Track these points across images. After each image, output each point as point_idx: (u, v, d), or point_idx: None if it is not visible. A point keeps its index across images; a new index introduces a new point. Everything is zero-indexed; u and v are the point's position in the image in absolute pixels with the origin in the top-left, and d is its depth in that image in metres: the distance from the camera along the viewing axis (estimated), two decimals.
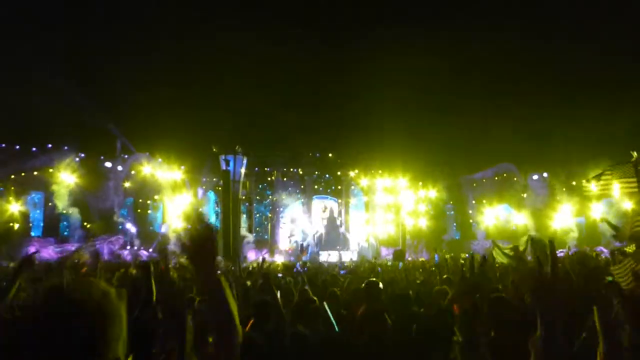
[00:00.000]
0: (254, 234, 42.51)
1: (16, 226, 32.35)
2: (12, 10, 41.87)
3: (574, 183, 39.15)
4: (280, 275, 11.23)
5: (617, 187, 10.58)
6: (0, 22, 39.98)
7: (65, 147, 34.33)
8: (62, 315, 1.12)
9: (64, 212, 35.33)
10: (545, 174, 41.69)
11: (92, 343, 1.13)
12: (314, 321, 5.14)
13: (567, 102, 40.79)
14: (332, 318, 5.05)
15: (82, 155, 35.67)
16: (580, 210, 37.34)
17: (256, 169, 42.65)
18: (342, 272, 17.25)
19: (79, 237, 34.19)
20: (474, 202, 43.70)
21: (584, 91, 41.95)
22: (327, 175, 44.74)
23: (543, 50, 50.82)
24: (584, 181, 32.43)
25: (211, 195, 41.53)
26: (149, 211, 40.54)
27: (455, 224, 45.17)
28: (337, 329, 4.96)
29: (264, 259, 10.13)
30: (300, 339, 4.39)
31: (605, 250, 24.53)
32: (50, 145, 34.88)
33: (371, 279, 6.92)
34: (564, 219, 37.56)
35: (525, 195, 42.00)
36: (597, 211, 35.46)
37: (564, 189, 40.01)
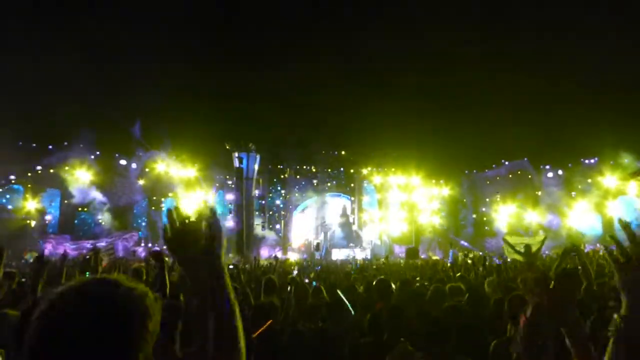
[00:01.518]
0: (267, 231, 42.64)
1: (32, 223, 32.76)
2: (28, 8, 42.35)
3: (589, 180, 38.67)
4: (295, 272, 11.25)
5: None
6: (17, 19, 40.39)
7: (81, 145, 34.68)
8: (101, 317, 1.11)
9: (79, 209, 35.73)
10: (560, 171, 41.24)
11: (127, 343, 1.12)
12: (328, 320, 5.15)
13: (583, 99, 40.25)
14: (347, 304, 5.11)
15: (98, 152, 35.98)
16: (596, 208, 36.91)
17: (269, 166, 42.71)
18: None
19: (94, 234, 34.60)
20: (487, 199, 43.37)
21: (600, 88, 41.40)
22: (340, 173, 44.67)
23: (558, 47, 50.33)
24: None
25: (220, 193, 41.68)
26: (162, 208, 40.79)
27: (469, 222, 44.88)
28: (352, 312, 5.04)
29: (276, 257, 10.15)
30: (299, 336, 4.40)
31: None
32: (66, 143, 35.22)
33: (380, 277, 6.92)
34: (580, 216, 37.16)
35: (539, 192, 41.64)
36: (614, 209, 35.07)
37: (580, 187, 39.55)
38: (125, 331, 1.11)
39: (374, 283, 6.49)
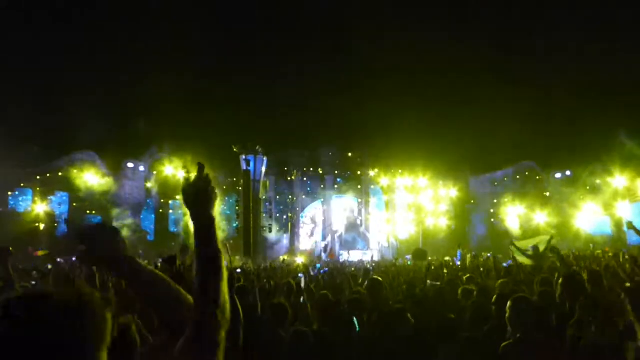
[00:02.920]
0: (274, 234, 42.72)
1: (42, 226, 32.93)
2: (40, 12, 42.70)
3: (598, 181, 38.36)
4: (300, 275, 11.24)
5: None
6: (27, 26, 40.76)
7: (89, 148, 34.91)
8: (37, 320, 1.11)
9: (89, 211, 35.91)
10: (568, 172, 40.96)
11: (72, 350, 1.13)
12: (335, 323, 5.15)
13: (591, 99, 39.98)
14: (355, 320, 5.03)
15: (106, 155, 36.14)
16: (605, 209, 36.61)
17: (276, 169, 42.77)
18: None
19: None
20: (495, 201, 43.14)
21: (607, 88, 41.08)
22: (347, 175, 44.63)
23: (567, 47, 50.07)
24: None
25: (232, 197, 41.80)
26: (170, 211, 40.96)
27: (477, 223, 44.69)
28: (357, 328, 4.95)
29: (284, 259, 10.18)
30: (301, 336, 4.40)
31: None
32: (74, 146, 35.39)
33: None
34: (589, 218, 36.87)
35: (548, 193, 41.40)
36: (623, 210, 34.73)
37: (588, 188, 39.25)
38: (64, 340, 1.12)
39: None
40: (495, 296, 5.16)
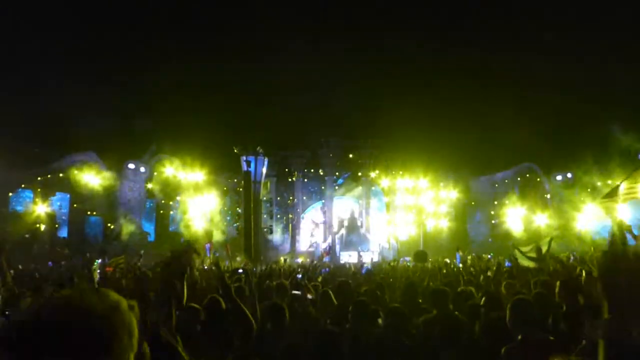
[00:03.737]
0: (275, 235, 42.76)
1: (42, 227, 32.92)
2: (39, 13, 42.76)
3: (599, 184, 38.37)
4: (299, 276, 11.25)
5: None
6: (26, 26, 40.82)
7: (90, 149, 34.92)
8: (68, 327, 1.12)
9: (89, 212, 35.92)
10: (569, 174, 40.95)
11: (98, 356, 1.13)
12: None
13: (591, 100, 39.94)
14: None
15: (107, 156, 36.15)
16: (606, 211, 36.54)
17: (277, 170, 42.81)
18: (363, 270, 17.28)
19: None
20: (496, 202, 43.15)
21: (608, 89, 41.03)
22: (348, 176, 44.64)
23: (566, 48, 50.10)
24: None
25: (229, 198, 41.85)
26: (171, 212, 40.99)
27: (478, 225, 44.70)
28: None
29: (286, 260, 10.18)
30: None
31: None
32: (75, 147, 35.38)
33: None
34: (590, 220, 36.85)
35: (548, 195, 41.40)
36: (623, 212, 34.65)
37: (589, 190, 39.24)
38: (90, 348, 1.12)
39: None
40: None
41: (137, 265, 15.23)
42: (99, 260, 16.82)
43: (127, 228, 35.85)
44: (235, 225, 41.85)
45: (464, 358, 4.16)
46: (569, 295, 5.15)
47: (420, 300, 6.32)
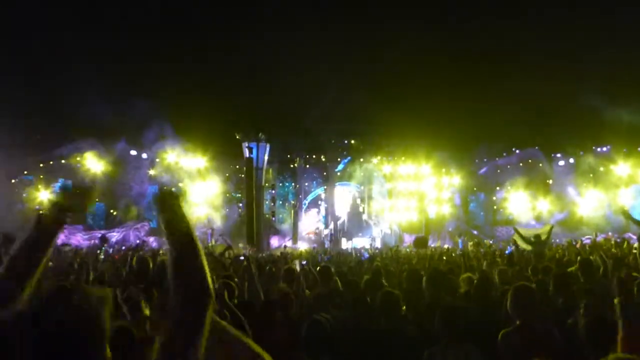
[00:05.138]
0: (277, 221, 42.84)
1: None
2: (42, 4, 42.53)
3: (601, 169, 38.32)
4: (304, 262, 11.30)
5: None
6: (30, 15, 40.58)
7: (92, 135, 34.91)
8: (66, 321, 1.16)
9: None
10: (572, 160, 40.83)
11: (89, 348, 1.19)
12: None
13: (597, 86, 39.60)
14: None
15: (109, 142, 36.14)
16: (607, 196, 36.56)
17: (279, 156, 42.72)
18: (364, 257, 17.38)
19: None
20: (498, 188, 43.09)
21: (615, 73, 40.59)
22: (350, 162, 44.55)
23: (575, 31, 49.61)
24: None
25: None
26: None
27: (480, 211, 44.74)
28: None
29: (285, 247, 10.22)
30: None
31: (633, 236, 23.96)
32: (76, 134, 35.38)
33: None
34: (592, 205, 36.88)
35: (550, 181, 41.36)
36: (625, 197, 34.73)
37: (591, 175, 39.19)
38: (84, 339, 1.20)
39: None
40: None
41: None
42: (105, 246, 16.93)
43: (130, 214, 35.96)
44: (237, 212, 41.93)
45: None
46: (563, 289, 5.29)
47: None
